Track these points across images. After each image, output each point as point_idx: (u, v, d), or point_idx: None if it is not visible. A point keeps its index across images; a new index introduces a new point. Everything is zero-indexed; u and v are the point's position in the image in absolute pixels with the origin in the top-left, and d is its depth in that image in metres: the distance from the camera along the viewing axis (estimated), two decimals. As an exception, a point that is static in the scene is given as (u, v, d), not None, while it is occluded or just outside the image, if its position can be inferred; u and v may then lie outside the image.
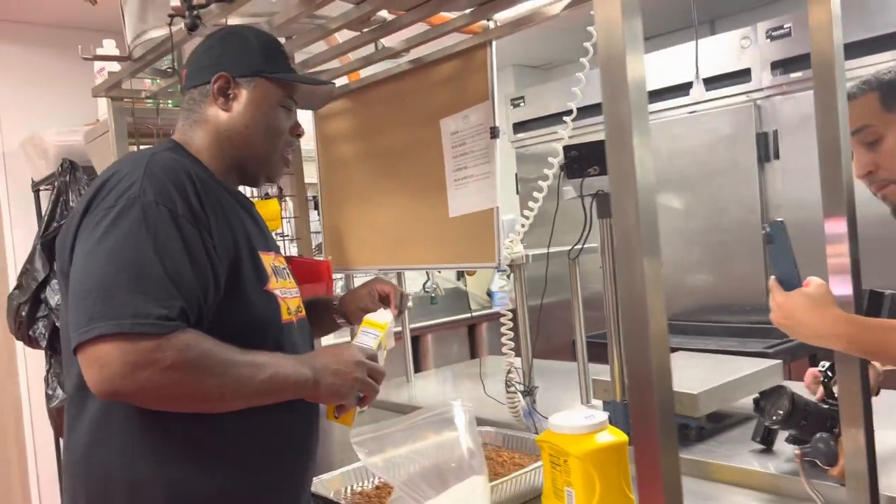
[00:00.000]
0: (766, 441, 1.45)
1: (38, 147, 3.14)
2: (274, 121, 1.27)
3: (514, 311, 1.84)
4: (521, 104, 4.05)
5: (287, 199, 2.32)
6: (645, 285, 0.81)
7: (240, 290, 1.14)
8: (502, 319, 1.78)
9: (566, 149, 1.64)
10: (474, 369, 2.78)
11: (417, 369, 3.85)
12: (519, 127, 4.07)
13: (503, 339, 1.78)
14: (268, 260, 1.26)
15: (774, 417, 1.31)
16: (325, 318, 1.52)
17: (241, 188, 1.34)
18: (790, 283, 1.15)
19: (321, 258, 2.32)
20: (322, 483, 1.41)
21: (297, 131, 1.33)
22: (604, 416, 1.31)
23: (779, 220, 1.19)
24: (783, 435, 1.39)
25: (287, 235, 2.31)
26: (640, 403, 0.83)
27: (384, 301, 1.47)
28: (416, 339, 3.89)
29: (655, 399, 0.81)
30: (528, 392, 1.79)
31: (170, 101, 2.18)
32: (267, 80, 1.26)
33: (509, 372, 1.77)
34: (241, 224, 1.21)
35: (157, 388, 0.97)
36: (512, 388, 1.76)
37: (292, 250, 2.36)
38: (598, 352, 3.14)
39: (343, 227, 2.28)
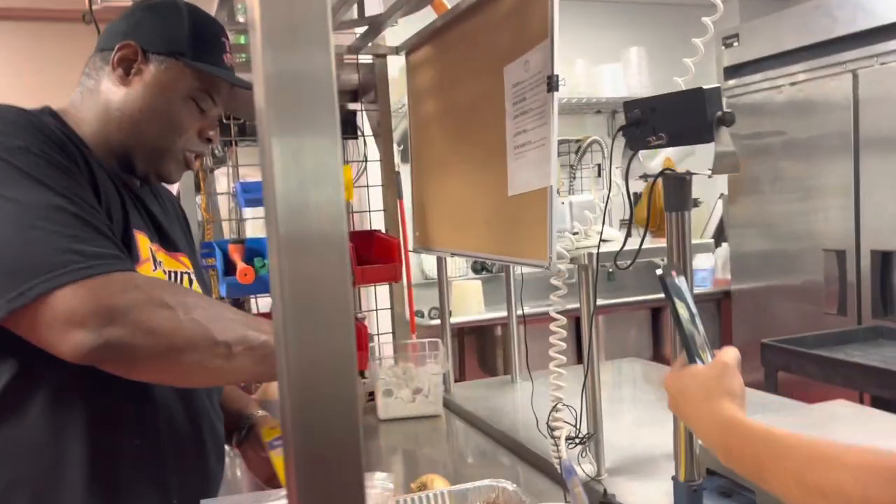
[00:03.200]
0: None
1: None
2: (177, 114, 1.04)
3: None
4: (735, 43, 3.29)
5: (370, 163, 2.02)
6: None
7: None
8: (553, 326, 1.32)
9: (627, 106, 1.11)
10: (607, 375, 2.30)
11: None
12: (732, 72, 3.32)
13: (552, 353, 1.32)
14: (146, 244, 1.01)
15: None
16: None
17: None
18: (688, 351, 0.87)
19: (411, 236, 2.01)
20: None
21: (206, 135, 1.08)
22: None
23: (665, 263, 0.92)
24: None
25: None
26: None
27: None
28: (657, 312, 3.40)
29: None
30: (581, 441, 1.31)
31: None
32: (185, 65, 1.03)
33: (555, 407, 1.31)
34: (115, 196, 0.98)
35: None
36: (557, 432, 1.30)
37: (376, 223, 2.07)
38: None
39: (426, 198, 1.93)
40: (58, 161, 0.88)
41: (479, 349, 3.47)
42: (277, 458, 1.00)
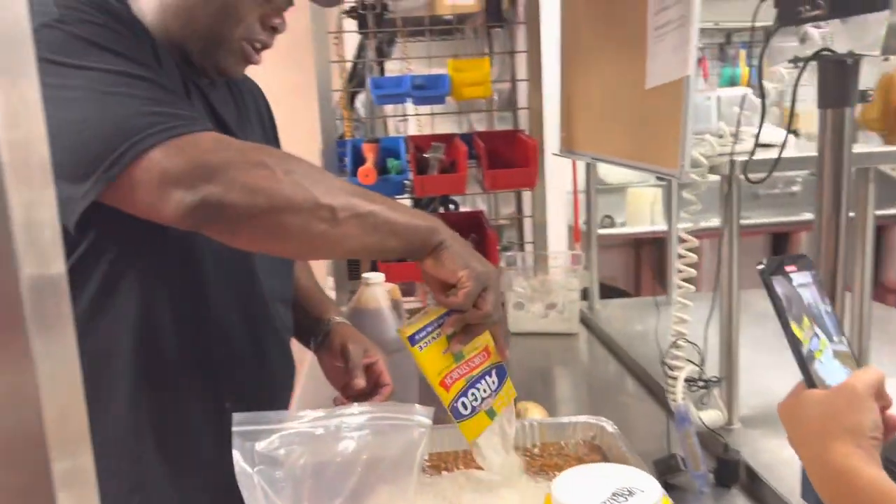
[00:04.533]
0: None
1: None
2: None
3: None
4: None
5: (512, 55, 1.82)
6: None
7: None
8: (680, 248, 1.10)
9: (780, -36, 0.84)
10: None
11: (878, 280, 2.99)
12: None
13: (678, 281, 1.11)
14: None
15: None
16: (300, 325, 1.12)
17: None
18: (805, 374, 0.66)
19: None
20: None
21: (271, 22, 0.94)
22: (653, 495, 0.70)
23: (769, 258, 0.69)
24: None
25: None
26: None
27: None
28: (882, 231, 2.99)
29: None
30: (704, 385, 1.10)
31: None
32: None
33: (674, 343, 1.11)
34: (181, 86, 0.92)
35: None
36: (675, 372, 1.10)
37: (520, 122, 1.89)
38: None
39: (572, 94, 1.71)
40: (127, 34, 0.84)
41: (658, 262, 3.21)
42: (420, 353, 0.88)
